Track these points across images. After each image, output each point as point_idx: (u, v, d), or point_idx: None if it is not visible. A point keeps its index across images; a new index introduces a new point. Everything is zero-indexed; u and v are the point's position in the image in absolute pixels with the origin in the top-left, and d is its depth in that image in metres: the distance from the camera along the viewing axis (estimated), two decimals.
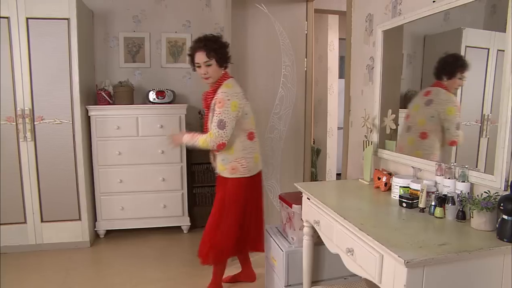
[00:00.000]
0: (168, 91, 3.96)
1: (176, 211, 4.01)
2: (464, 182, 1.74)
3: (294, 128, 3.76)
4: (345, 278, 2.53)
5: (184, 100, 4.34)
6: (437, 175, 1.89)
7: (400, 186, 2.00)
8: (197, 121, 4.33)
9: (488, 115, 1.81)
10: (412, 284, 1.33)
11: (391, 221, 1.76)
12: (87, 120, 3.77)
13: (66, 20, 3.44)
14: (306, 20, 3.69)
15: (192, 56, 2.67)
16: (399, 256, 1.31)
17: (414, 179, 2.01)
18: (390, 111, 2.35)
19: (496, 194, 1.57)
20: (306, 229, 2.29)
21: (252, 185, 2.77)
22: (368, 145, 2.43)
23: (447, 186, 1.80)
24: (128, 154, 3.86)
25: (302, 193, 2.33)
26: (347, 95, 2.98)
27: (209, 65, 2.60)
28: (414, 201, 1.87)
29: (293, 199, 2.60)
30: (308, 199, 2.19)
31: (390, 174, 2.20)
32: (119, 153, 3.82)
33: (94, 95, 3.98)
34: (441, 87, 1.95)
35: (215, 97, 2.59)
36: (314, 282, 2.40)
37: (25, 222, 3.60)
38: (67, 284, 3.08)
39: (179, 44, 4.39)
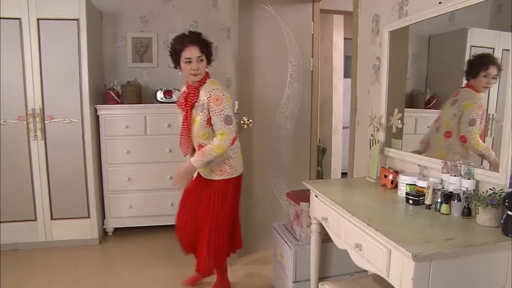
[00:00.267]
0: (176, 90, 4.00)
1: None
2: (469, 179, 1.78)
3: (300, 127, 3.79)
4: (351, 275, 2.57)
5: None
6: (443, 173, 1.92)
7: (406, 184, 2.04)
8: None
9: (493, 115, 1.84)
10: (419, 278, 1.36)
11: (398, 217, 1.80)
12: (96, 119, 3.82)
13: (76, 21, 3.49)
14: (313, 21, 3.72)
15: (179, 51, 2.53)
16: (406, 250, 1.35)
17: (420, 177, 2.05)
18: (396, 110, 2.39)
19: (501, 191, 1.60)
20: (314, 226, 2.33)
21: (238, 185, 2.76)
22: (375, 143, 2.47)
23: (453, 183, 1.83)
24: (136, 152, 3.91)
25: (309, 191, 2.36)
26: (353, 94, 3.02)
27: (201, 61, 2.53)
28: (421, 198, 1.91)
29: (300, 197, 2.64)
30: (316, 196, 2.23)
31: (396, 172, 2.24)
32: (128, 151, 3.87)
33: (102, 95, 4.03)
34: (469, 87, 1.95)
35: (208, 96, 2.51)
36: (321, 278, 2.44)
37: (35, 220, 3.66)
38: (76, 280, 3.13)
39: None
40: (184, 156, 2.81)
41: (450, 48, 2.20)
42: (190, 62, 2.51)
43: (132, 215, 3.98)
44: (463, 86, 2.03)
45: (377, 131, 2.55)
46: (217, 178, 2.66)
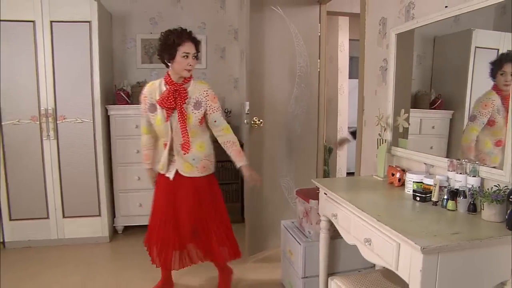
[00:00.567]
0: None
1: None
2: (475, 177, 1.84)
3: (307, 127, 3.85)
4: (359, 271, 2.63)
5: None
6: (449, 171, 1.98)
7: (413, 181, 2.10)
8: None
9: None
10: (427, 270, 1.42)
11: (406, 213, 1.86)
12: (106, 119, 3.89)
13: (88, 23, 3.58)
14: (319, 23, 3.78)
15: (177, 45, 2.49)
16: (415, 243, 1.41)
17: (426, 175, 2.11)
18: (403, 110, 2.45)
19: (506, 187, 1.66)
20: (323, 223, 2.39)
21: (216, 179, 2.83)
22: (382, 143, 2.53)
23: (459, 181, 1.89)
24: None
25: (318, 189, 2.42)
26: (360, 95, 3.07)
27: (195, 57, 2.56)
28: (427, 195, 1.97)
29: (309, 195, 2.70)
30: (325, 194, 2.29)
31: (403, 171, 2.30)
32: (137, 151, 3.93)
33: (112, 95, 4.10)
34: (493, 88, 1.97)
35: (205, 94, 2.58)
36: (329, 274, 2.49)
37: (47, 218, 3.75)
38: (88, 277, 3.21)
39: None
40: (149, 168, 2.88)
41: (455, 49, 2.24)
42: (187, 57, 2.51)
43: (142, 214, 4.03)
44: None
45: (384, 130, 2.61)
46: (200, 175, 2.67)
